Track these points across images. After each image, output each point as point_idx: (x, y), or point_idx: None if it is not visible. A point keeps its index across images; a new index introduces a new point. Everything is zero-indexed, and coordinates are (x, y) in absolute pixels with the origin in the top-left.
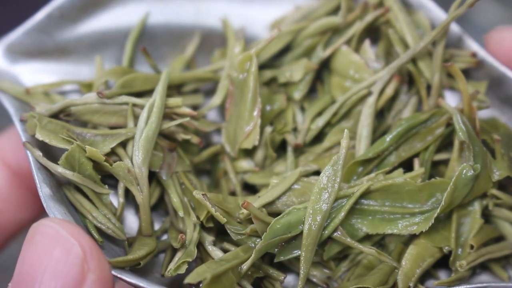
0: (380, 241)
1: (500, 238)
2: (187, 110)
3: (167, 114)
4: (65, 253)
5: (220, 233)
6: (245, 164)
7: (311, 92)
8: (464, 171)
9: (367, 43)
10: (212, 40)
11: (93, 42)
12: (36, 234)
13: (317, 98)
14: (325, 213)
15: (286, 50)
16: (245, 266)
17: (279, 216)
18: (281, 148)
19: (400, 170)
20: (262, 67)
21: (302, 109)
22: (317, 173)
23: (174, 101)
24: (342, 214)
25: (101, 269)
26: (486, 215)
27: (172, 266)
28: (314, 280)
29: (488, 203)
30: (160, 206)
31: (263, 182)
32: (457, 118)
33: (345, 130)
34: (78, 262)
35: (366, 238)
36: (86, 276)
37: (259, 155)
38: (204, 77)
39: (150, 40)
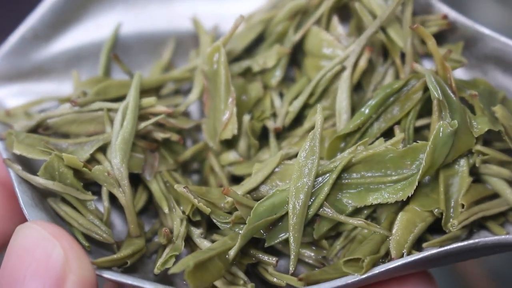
0: (371, 214)
1: (495, 197)
2: (162, 109)
3: (144, 115)
4: (46, 254)
5: (211, 227)
6: (229, 156)
7: (291, 79)
8: (442, 128)
9: (335, 20)
10: (188, 42)
11: (70, 59)
12: (19, 236)
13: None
14: (307, 190)
15: (261, 41)
16: (232, 252)
17: (263, 199)
18: (264, 137)
19: (381, 139)
20: (237, 59)
21: (281, 95)
22: None
23: (148, 101)
24: (326, 189)
25: (82, 269)
26: (477, 175)
27: (160, 261)
28: (310, 261)
29: (475, 161)
30: (150, 209)
31: (249, 171)
32: (429, 78)
33: (318, 105)
34: (59, 263)
35: (356, 212)
36: (67, 277)
37: (242, 145)
38: (181, 77)
39: (126, 50)
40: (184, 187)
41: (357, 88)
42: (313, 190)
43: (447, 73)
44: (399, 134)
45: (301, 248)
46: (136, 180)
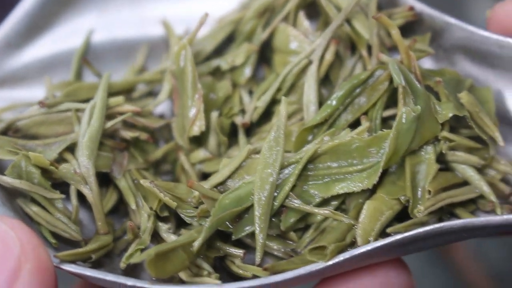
0: (341, 206)
1: (464, 184)
2: (129, 107)
3: (112, 115)
4: (3, 245)
5: (181, 224)
6: (199, 154)
7: (262, 77)
8: (404, 114)
9: (301, 15)
10: (161, 47)
11: (43, 66)
12: None
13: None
14: (272, 181)
15: (232, 41)
16: (196, 244)
17: (228, 191)
18: (235, 134)
19: (348, 129)
20: (207, 59)
21: (251, 93)
22: None
23: (115, 100)
24: (292, 180)
25: (37, 258)
26: (446, 163)
27: (126, 255)
28: (279, 254)
29: (442, 147)
30: (121, 208)
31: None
32: (393, 65)
33: (283, 97)
34: (15, 254)
35: (324, 203)
36: (22, 267)
37: (212, 143)
38: (152, 79)
39: (98, 56)
40: (150, 182)
41: (326, 82)
42: (279, 182)
43: (412, 62)
44: (364, 123)
45: (270, 241)
46: (107, 181)
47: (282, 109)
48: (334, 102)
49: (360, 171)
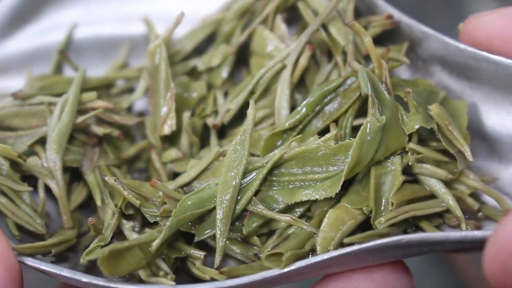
0: (306, 213)
1: (432, 198)
2: (101, 103)
3: (85, 110)
4: None
5: (149, 223)
6: (171, 153)
7: (240, 80)
8: (369, 124)
9: (278, 19)
10: (145, 44)
11: (25, 58)
12: None
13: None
14: (235, 184)
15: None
16: (154, 244)
17: (191, 193)
18: (208, 135)
19: (316, 136)
20: (187, 57)
21: (228, 95)
22: None
23: (88, 95)
24: (255, 184)
25: None
26: (414, 175)
27: (86, 251)
28: (242, 258)
29: (409, 159)
30: (91, 204)
31: None
32: (361, 73)
33: (251, 100)
34: None
35: (289, 209)
36: None
37: (184, 143)
38: (130, 76)
39: (80, 51)
40: (115, 179)
41: (301, 87)
42: (244, 186)
43: (383, 71)
44: (332, 131)
45: (233, 245)
46: (80, 176)
47: (249, 113)
48: (304, 109)
49: (325, 179)
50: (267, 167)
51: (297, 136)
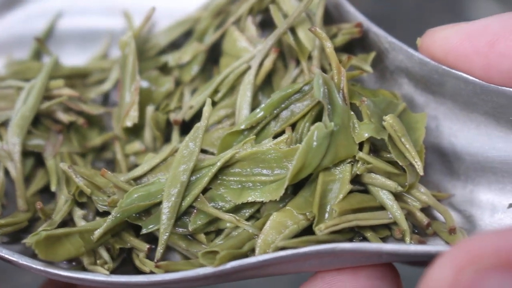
0: (255, 214)
1: (382, 209)
2: (67, 91)
3: (52, 97)
4: None
5: (104, 213)
6: (135, 146)
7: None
8: (316, 130)
9: (249, 20)
10: None
11: (10, 42)
12: None
13: None
14: (183, 180)
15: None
16: (97, 232)
17: (140, 185)
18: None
19: (270, 138)
20: (161, 53)
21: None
22: None
23: (55, 83)
24: (204, 181)
25: None
26: (365, 185)
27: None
28: (188, 255)
29: (359, 169)
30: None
31: None
32: (317, 78)
33: (208, 98)
34: None
35: (238, 209)
36: None
37: (148, 136)
38: (105, 67)
39: (62, 41)
40: (69, 166)
41: (268, 89)
42: (193, 182)
43: (341, 77)
44: (284, 134)
45: (180, 240)
46: (38, 160)
47: (204, 111)
48: (262, 111)
49: (273, 181)
50: (217, 165)
51: (251, 137)
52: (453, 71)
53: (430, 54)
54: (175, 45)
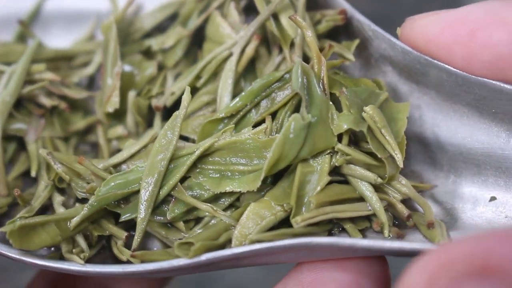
0: (235, 203)
1: (362, 200)
2: (49, 75)
3: (34, 81)
4: None
5: (84, 199)
6: (117, 130)
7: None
8: (293, 122)
9: (232, 6)
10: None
11: None
12: None
13: None
14: (161, 169)
15: None
16: (74, 220)
17: (118, 173)
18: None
19: (249, 127)
20: (146, 35)
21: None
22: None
23: (37, 67)
24: (182, 169)
25: None
26: (346, 176)
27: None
28: (167, 242)
29: (337, 160)
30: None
31: None
32: (296, 68)
33: (187, 87)
34: None
35: (217, 198)
36: None
37: (130, 121)
38: (89, 50)
39: (48, 23)
40: (48, 153)
41: (251, 76)
42: (171, 170)
43: (320, 66)
44: (265, 124)
45: (160, 228)
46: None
47: (183, 99)
48: (241, 100)
49: (251, 171)
50: (196, 154)
51: (230, 126)
52: (435, 61)
53: (411, 43)
54: (160, 28)
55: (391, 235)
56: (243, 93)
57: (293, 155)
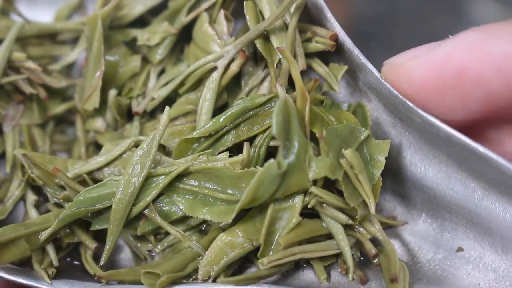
0: (200, 226)
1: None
2: (31, 65)
3: (15, 67)
4: None
5: None
6: (96, 123)
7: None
8: (270, 169)
9: (221, 14)
10: None
11: None
12: None
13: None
14: (134, 189)
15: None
16: (44, 235)
17: (90, 187)
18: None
19: (226, 153)
20: (134, 23)
21: (163, 72)
22: None
23: (18, 55)
24: (154, 192)
25: None
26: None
27: None
28: (136, 252)
29: (310, 200)
30: None
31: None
32: (277, 111)
33: (166, 107)
34: None
35: (185, 219)
36: None
37: (109, 116)
38: (75, 29)
39: None
40: (23, 155)
41: (234, 85)
42: (146, 189)
43: (303, 104)
44: (240, 155)
45: (131, 237)
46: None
47: (162, 119)
48: (221, 119)
49: (224, 200)
50: (170, 176)
51: (207, 151)
52: (419, 111)
53: (398, 89)
54: (149, 13)
55: (355, 279)
56: (223, 115)
57: (267, 197)
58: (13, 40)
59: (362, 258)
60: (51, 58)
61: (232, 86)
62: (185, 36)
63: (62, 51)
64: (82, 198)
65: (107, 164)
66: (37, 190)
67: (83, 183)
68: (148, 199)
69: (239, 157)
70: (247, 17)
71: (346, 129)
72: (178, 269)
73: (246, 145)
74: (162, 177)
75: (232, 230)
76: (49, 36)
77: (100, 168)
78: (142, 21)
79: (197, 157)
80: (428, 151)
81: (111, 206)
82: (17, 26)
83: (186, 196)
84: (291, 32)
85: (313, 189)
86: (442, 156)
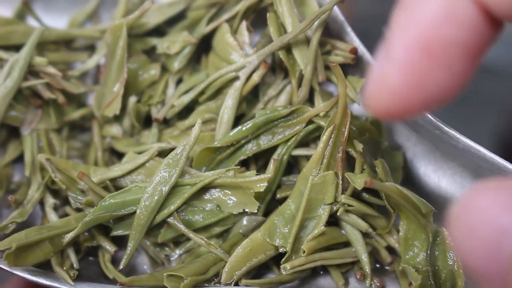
0: (223, 233)
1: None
2: (51, 70)
3: (35, 72)
4: None
5: None
6: (112, 129)
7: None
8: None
9: (243, 25)
10: None
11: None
12: None
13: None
14: (159, 197)
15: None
16: (67, 237)
17: (115, 193)
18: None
19: (253, 171)
20: (151, 32)
21: (181, 81)
22: None
23: (40, 60)
24: (179, 201)
25: None
26: (338, 219)
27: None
28: (154, 257)
29: (339, 209)
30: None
31: (126, 150)
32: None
33: (198, 119)
34: None
35: (207, 228)
36: None
37: (126, 123)
38: (91, 36)
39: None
40: (46, 159)
41: (252, 94)
42: (171, 198)
43: (345, 124)
44: (269, 170)
45: (152, 244)
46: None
47: (194, 130)
48: (244, 129)
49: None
50: (196, 187)
51: (236, 168)
52: (439, 123)
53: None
54: (166, 23)
55: (373, 284)
56: (246, 125)
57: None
58: (34, 45)
59: (378, 265)
60: (65, 64)
61: (250, 96)
62: (201, 46)
63: (78, 58)
64: (107, 203)
65: (130, 172)
66: (54, 193)
67: (105, 189)
68: (172, 207)
69: (267, 176)
70: (270, 28)
71: (371, 142)
72: (200, 273)
73: (273, 162)
74: (188, 187)
75: (255, 237)
76: (65, 42)
77: (123, 175)
78: (158, 31)
79: (225, 172)
80: (443, 163)
81: (134, 212)
82: (38, 31)
83: (209, 205)
84: (314, 46)
85: (343, 198)
86: (457, 167)
